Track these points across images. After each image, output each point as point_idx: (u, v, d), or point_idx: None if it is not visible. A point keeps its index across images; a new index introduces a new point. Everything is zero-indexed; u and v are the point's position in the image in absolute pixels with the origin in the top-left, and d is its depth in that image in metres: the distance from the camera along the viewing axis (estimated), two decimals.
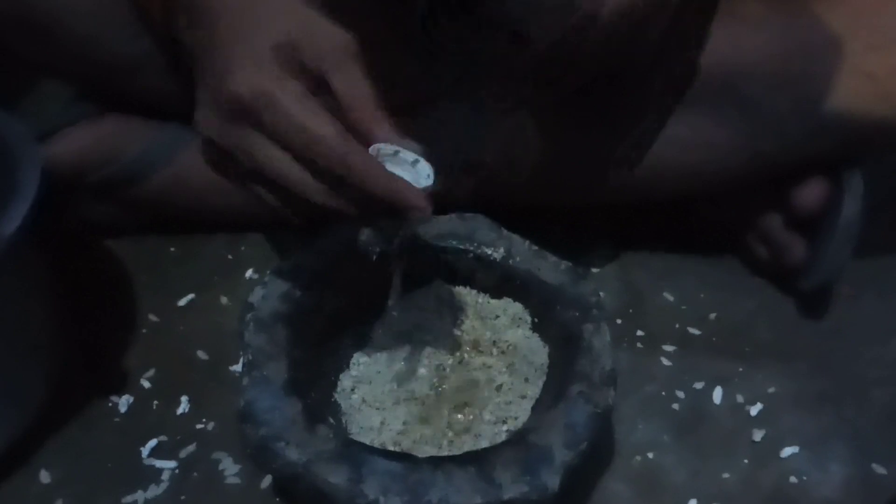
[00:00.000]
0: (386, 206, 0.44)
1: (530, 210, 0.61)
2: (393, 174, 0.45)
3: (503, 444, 0.48)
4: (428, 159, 0.46)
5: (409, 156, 0.46)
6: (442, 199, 0.59)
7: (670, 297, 0.63)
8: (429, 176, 0.46)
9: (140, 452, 0.54)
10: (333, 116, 0.44)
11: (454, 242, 0.56)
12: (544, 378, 0.52)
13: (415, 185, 0.45)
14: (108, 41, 0.59)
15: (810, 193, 0.57)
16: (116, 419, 0.56)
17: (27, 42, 0.59)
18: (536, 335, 0.54)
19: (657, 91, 0.56)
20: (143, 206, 0.64)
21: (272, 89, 0.43)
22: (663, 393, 0.57)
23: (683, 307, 0.62)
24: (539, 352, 0.54)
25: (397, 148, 0.45)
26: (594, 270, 0.64)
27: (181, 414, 0.56)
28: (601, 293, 0.55)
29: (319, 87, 0.45)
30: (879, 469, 0.53)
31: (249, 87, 0.44)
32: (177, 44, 0.51)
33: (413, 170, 0.46)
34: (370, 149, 0.45)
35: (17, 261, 0.49)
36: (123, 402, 0.57)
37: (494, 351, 0.54)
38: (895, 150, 0.62)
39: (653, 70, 0.55)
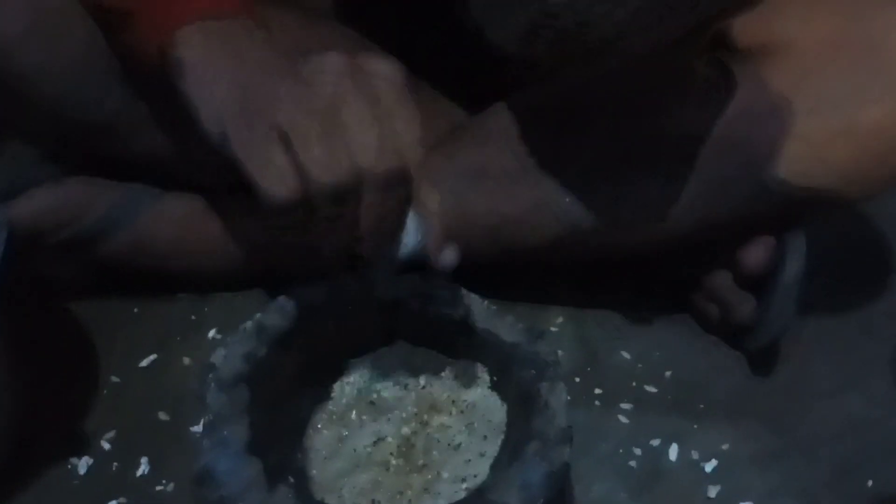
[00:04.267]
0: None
1: (489, 271, 0.62)
2: None
3: (461, 502, 0.48)
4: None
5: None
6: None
7: (627, 356, 0.64)
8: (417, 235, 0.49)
9: None
10: None
11: (415, 303, 0.57)
12: (503, 436, 0.53)
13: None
14: (79, 102, 0.60)
15: (755, 253, 0.59)
16: (75, 481, 0.56)
17: None
18: (495, 394, 0.55)
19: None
20: (105, 268, 0.64)
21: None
22: (620, 450, 0.58)
23: (640, 365, 0.64)
24: (497, 410, 0.55)
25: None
26: (552, 330, 0.65)
27: (141, 476, 0.56)
28: (559, 352, 0.56)
29: None
30: None
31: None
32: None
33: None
34: None
35: None
36: (83, 464, 0.56)
37: (453, 410, 0.55)
38: (834, 213, 0.64)
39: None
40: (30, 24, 0.57)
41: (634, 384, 0.62)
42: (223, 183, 0.64)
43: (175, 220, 0.63)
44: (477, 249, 0.61)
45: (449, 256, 0.50)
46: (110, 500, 0.54)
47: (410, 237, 0.49)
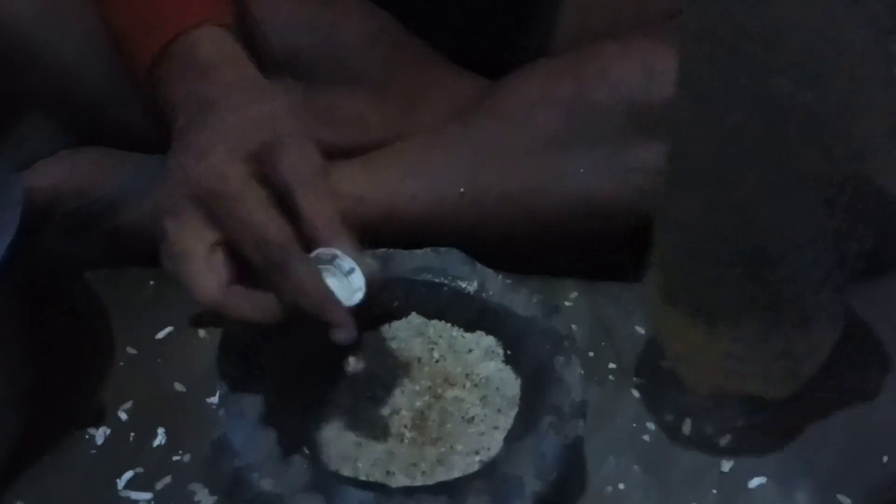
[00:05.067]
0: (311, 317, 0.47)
1: (505, 243, 0.62)
2: (327, 288, 0.47)
3: (475, 474, 0.48)
4: (365, 271, 0.49)
5: (347, 264, 0.48)
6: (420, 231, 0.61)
7: (641, 331, 0.64)
8: (360, 289, 0.48)
9: (116, 484, 0.54)
10: (288, 224, 0.47)
11: (429, 276, 0.57)
12: (516, 409, 0.53)
13: (345, 297, 0.48)
14: (88, 77, 0.61)
15: None
16: (93, 451, 0.56)
17: (8, 77, 0.60)
18: (509, 367, 0.56)
19: None
20: (120, 239, 0.65)
21: (238, 188, 0.47)
22: (634, 424, 0.58)
23: (654, 340, 0.63)
24: (511, 384, 0.55)
25: (336, 253, 0.48)
26: (567, 304, 0.65)
27: (157, 446, 0.56)
28: (573, 326, 0.56)
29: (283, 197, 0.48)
30: (844, 500, 0.55)
31: (219, 178, 0.47)
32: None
33: (346, 280, 0.48)
34: (313, 253, 0.48)
35: None
36: (100, 434, 0.57)
37: (467, 384, 0.55)
38: None
39: None
40: (42, 4, 0.57)
41: (648, 359, 0.62)
42: None
43: None
44: (492, 218, 0.61)
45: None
46: (128, 469, 0.55)
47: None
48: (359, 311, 0.57)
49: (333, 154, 0.64)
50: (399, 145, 0.63)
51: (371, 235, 0.62)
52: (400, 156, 0.63)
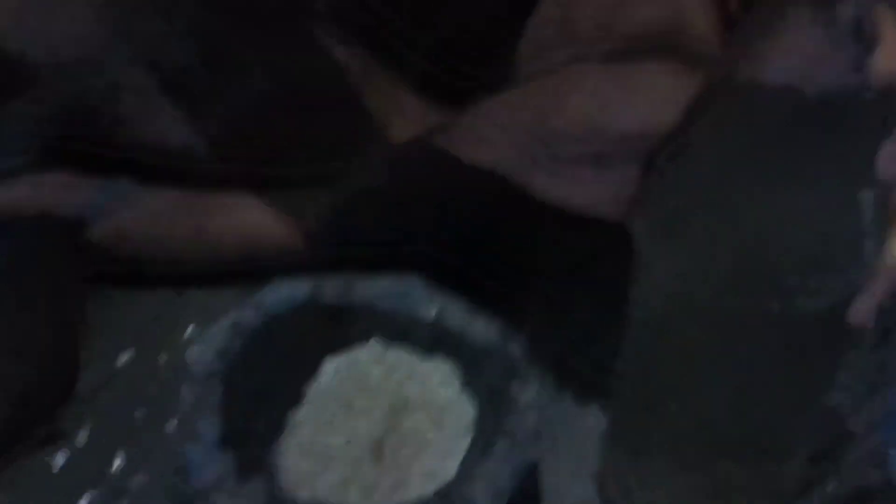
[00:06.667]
0: None
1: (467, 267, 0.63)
2: None
3: (429, 498, 0.49)
4: None
5: None
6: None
7: (601, 354, 0.65)
8: None
9: None
10: None
11: (389, 303, 0.58)
12: (472, 435, 0.54)
13: None
14: (77, 82, 0.60)
15: None
16: (52, 474, 0.56)
17: None
18: (466, 393, 0.56)
19: None
20: (83, 260, 0.65)
21: None
22: (592, 450, 0.59)
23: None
24: (468, 409, 0.55)
25: None
26: (525, 330, 0.66)
27: (116, 469, 0.56)
28: (531, 350, 0.57)
29: None
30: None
31: None
32: None
33: None
34: None
35: None
36: (59, 457, 0.57)
37: (424, 410, 0.56)
38: None
39: None
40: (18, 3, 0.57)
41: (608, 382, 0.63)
42: (224, 171, 0.64)
43: (156, 212, 0.64)
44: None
45: None
46: (85, 492, 0.55)
47: None
48: (319, 338, 0.58)
49: (293, 180, 0.65)
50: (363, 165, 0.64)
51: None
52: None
